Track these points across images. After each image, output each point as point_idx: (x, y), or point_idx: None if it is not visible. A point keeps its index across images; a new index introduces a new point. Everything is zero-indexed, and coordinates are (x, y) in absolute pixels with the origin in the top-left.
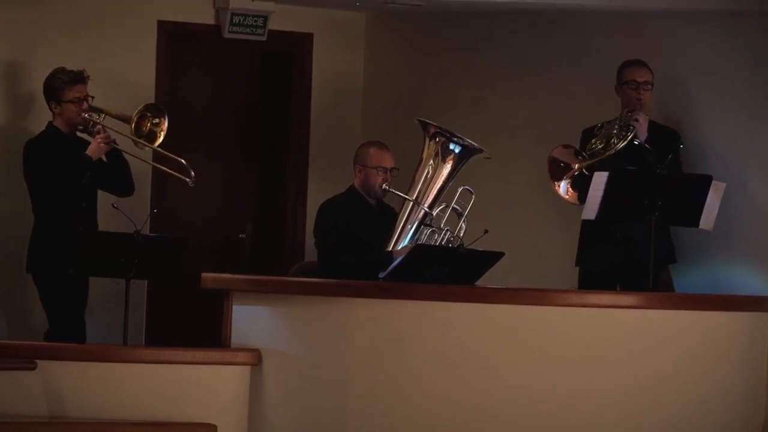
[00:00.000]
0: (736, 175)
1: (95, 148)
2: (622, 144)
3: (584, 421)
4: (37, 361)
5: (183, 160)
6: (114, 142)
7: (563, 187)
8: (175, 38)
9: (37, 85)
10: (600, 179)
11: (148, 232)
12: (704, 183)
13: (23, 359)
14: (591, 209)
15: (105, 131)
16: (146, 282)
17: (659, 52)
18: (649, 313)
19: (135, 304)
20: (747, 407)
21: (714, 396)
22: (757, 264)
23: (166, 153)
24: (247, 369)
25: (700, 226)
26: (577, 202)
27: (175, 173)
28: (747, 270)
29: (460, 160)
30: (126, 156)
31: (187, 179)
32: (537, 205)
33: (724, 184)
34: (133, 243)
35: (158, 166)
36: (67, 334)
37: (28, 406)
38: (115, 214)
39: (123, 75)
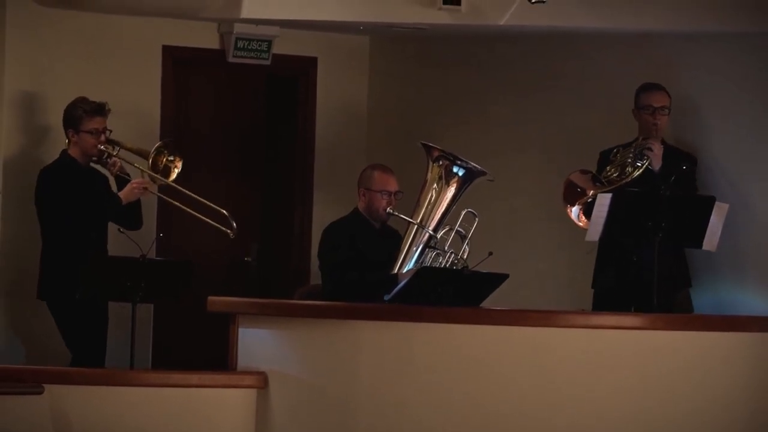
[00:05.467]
0: (746, 196)
1: (129, 192)
2: (638, 173)
3: None
4: (45, 385)
5: (225, 212)
6: (146, 188)
7: (575, 212)
8: (180, 63)
9: (47, 114)
10: (604, 201)
11: (154, 256)
12: (707, 204)
13: (31, 383)
14: (595, 230)
15: (123, 167)
16: (152, 305)
17: (668, 73)
18: (653, 334)
19: (141, 328)
20: (752, 427)
21: (718, 416)
22: (764, 285)
23: (206, 202)
24: (253, 392)
25: (704, 247)
26: None
27: (215, 224)
28: (754, 291)
29: (463, 183)
30: (166, 199)
31: (228, 231)
32: (541, 227)
33: (727, 205)
34: (139, 267)
35: (199, 216)
36: (90, 362)
37: (36, 431)
38: (121, 238)
39: (129, 99)
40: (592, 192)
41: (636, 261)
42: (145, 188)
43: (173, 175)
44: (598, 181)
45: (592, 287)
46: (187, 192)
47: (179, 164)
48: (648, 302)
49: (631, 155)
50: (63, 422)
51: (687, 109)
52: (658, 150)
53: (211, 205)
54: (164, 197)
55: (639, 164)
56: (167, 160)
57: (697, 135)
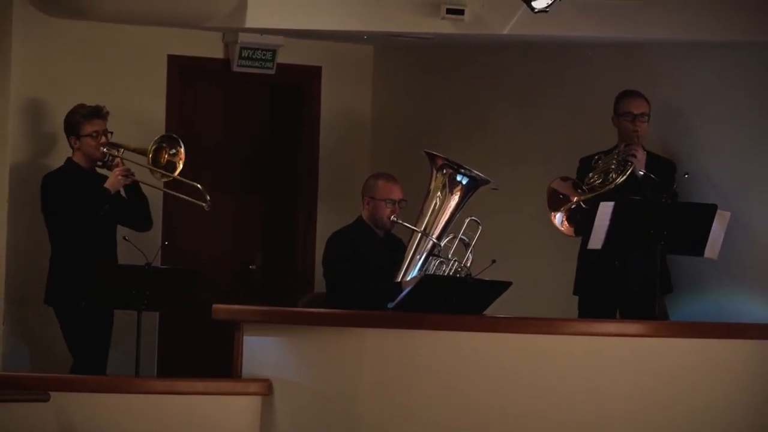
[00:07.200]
0: (738, 204)
1: (113, 180)
2: (621, 179)
3: None
4: (51, 392)
5: (199, 185)
6: (133, 174)
7: (558, 219)
8: (185, 72)
9: (53, 122)
10: (606, 209)
11: (159, 264)
12: (709, 212)
13: (36, 391)
14: (597, 239)
15: (124, 164)
16: (158, 313)
17: (662, 82)
18: (655, 341)
19: (147, 336)
20: None
21: (719, 423)
22: (761, 292)
23: (181, 179)
24: (258, 399)
25: (705, 255)
26: (572, 235)
27: (190, 199)
28: (751, 298)
29: (467, 192)
30: (143, 187)
31: (203, 204)
32: (544, 235)
33: (729, 213)
34: (144, 275)
35: (173, 192)
36: (92, 368)
37: None
38: (126, 246)
39: (134, 109)
40: (575, 198)
41: (618, 266)
42: (128, 174)
43: (179, 168)
44: (580, 187)
45: (575, 293)
46: (162, 172)
47: (182, 155)
48: (632, 308)
49: (614, 162)
50: (69, 430)
51: (688, 116)
52: (641, 156)
53: (184, 180)
54: (142, 182)
55: (622, 170)
56: (169, 154)
57: (695, 141)
